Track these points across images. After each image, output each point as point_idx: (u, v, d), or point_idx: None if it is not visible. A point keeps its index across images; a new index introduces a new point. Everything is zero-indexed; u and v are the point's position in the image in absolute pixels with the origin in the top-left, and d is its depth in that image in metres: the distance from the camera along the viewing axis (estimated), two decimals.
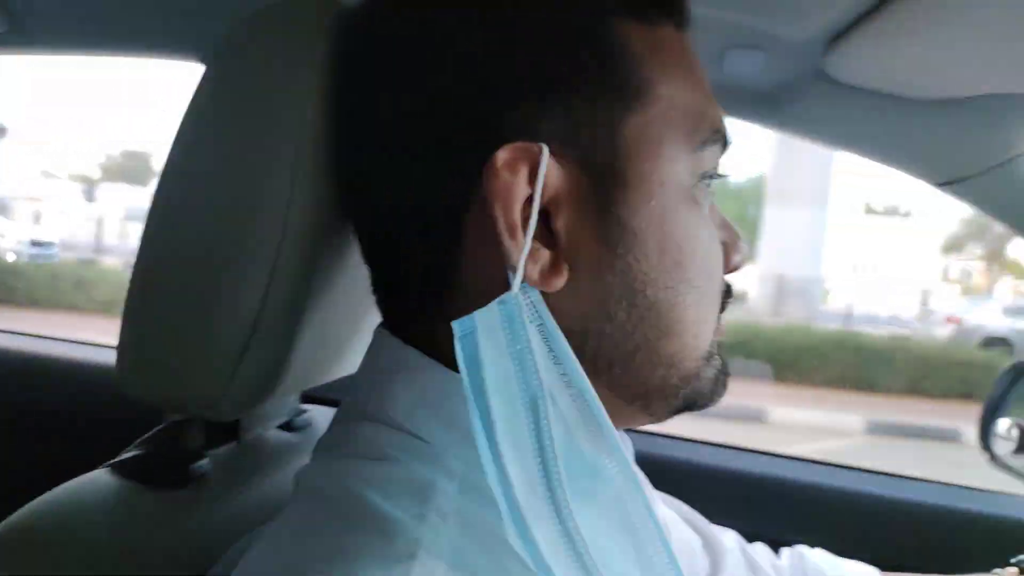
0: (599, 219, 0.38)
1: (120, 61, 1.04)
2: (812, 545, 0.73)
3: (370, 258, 0.45)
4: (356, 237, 0.45)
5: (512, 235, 0.36)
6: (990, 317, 10.06)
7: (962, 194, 0.88)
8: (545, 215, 0.38)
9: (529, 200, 0.37)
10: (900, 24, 0.59)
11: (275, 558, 0.36)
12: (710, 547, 0.64)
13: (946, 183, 0.87)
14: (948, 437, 5.87)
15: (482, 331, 0.36)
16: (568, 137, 0.38)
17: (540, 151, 0.37)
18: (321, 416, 0.71)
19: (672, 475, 1.07)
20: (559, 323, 0.37)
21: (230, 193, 0.44)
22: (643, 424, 0.45)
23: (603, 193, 0.38)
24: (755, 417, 5.67)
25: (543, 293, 0.38)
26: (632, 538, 0.37)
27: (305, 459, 0.45)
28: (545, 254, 0.38)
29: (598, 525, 0.36)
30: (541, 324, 0.37)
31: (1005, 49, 0.60)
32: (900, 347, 8.05)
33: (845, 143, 0.89)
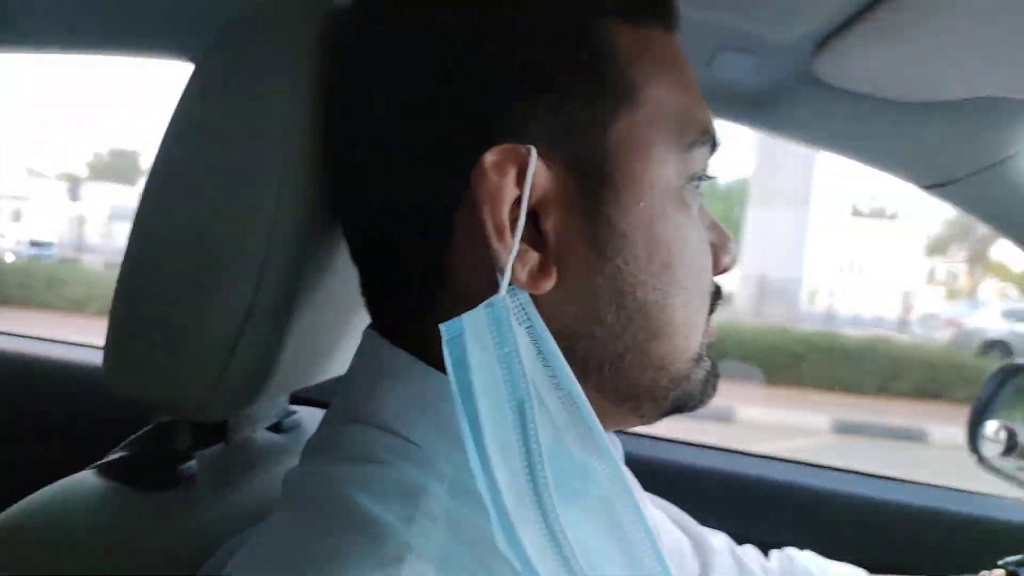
0: (588, 221, 0.38)
1: (110, 60, 1.04)
2: (801, 547, 0.73)
3: (363, 258, 0.44)
4: (345, 238, 0.45)
5: (500, 237, 0.36)
6: (989, 320, 10.11)
7: (949, 197, 0.89)
8: (534, 217, 0.38)
9: (518, 202, 0.37)
10: (889, 27, 0.59)
11: (264, 561, 0.36)
12: (700, 549, 0.64)
13: (934, 186, 0.88)
14: (915, 437, 5.96)
15: (470, 334, 0.36)
16: (557, 139, 0.38)
17: (528, 152, 0.36)
18: (310, 417, 0.70)
19: (662, 477, 1.07)
20: (548, 325, 0.37)
21: (218, 193, 0.43)
22: (633, 426, 0.45)
23: (592, 195, 0.38)
24: (723, 417, 5.69)
25: (532, 295, 0.37)
26: (621, 540, 0.37)
27: (293, 461, 0.44)
28: (534, 256, 0.38)
29: (587, 527, 0.36)
30: (530, 326, 0.37)
31: (992, 53, 0.60)
32: (874, 348, 8.08)
33: (834, 145, 0.90)
